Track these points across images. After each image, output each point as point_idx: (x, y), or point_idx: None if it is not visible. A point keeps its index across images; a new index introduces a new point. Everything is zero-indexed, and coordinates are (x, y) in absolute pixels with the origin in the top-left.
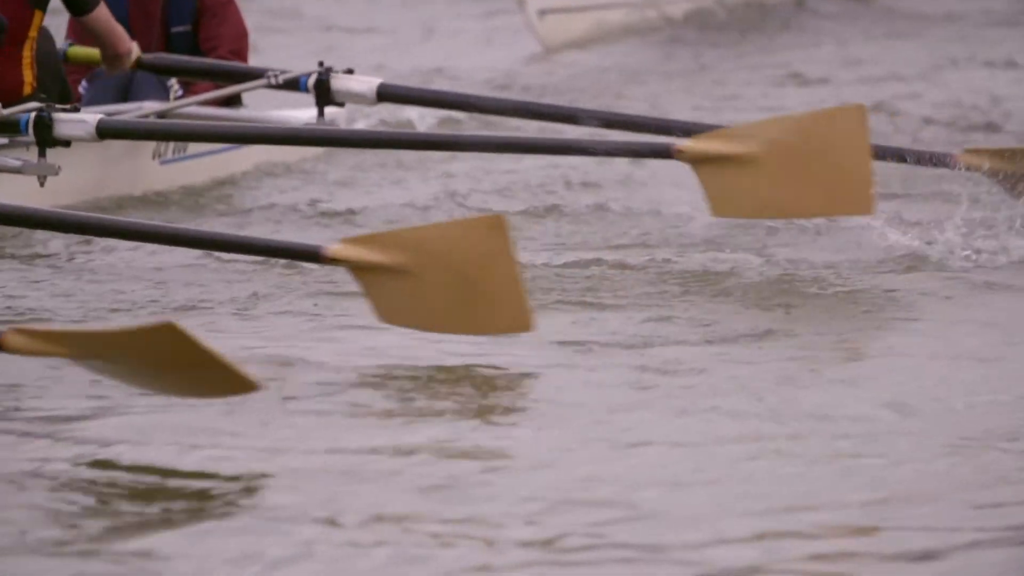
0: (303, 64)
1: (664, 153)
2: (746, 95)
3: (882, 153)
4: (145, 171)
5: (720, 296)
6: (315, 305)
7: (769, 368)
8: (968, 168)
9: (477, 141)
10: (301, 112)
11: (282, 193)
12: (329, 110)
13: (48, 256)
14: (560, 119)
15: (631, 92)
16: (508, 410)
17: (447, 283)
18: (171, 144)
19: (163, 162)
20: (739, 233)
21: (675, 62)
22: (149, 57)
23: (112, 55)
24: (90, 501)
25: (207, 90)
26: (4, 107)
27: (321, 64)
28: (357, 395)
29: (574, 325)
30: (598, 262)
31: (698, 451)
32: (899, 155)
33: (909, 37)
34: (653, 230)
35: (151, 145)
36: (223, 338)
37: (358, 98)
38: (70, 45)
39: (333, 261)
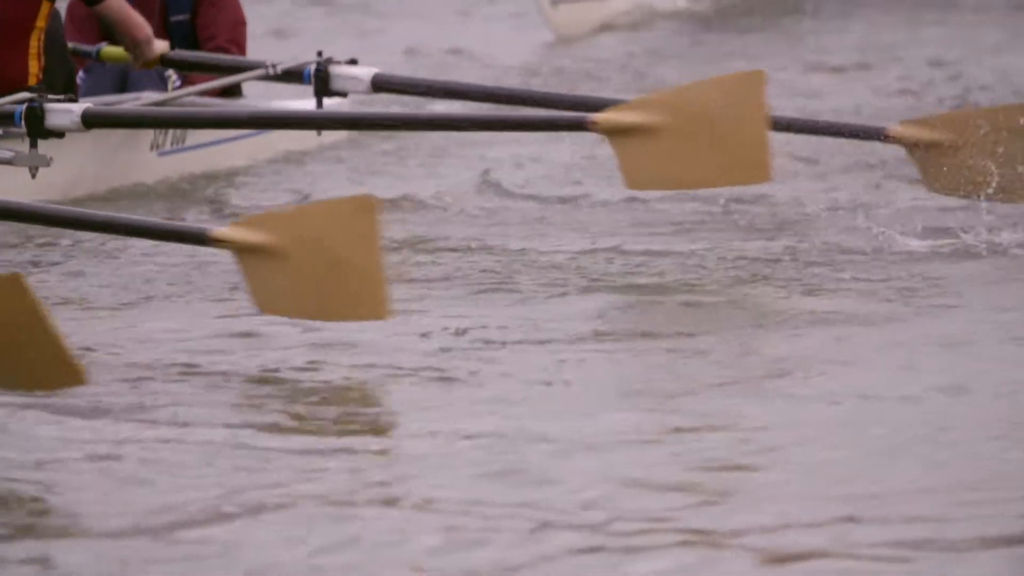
0: (338, 48)
1: (579, 126)
2: (777, 79)
3: (809, 127)
4: (142, 163)
5: (759, 281)
6: None
7: (816, 352)
8: (898, 142)
9: (395, 119)
10: (301, 103)
11: (281, 184)
12: (330, 101)
13: (85, 243)
14: (518, 102)
15: (662, 76)
16: (559, 395)
17: (315, 266)
18: (169, 135)
19: (161, 153)
20: (775, 218)
21: (704, 47)
22: (176, 54)
23: (131, 43)
24: (146, 486)
25: (205, 81)
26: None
27: (320, 54)
28: (412, 379)
29: (618, 311)
30: (640, 247)
31: (750, 435)
32: (827, 129)
33: (941, 24)
34: (691, 216)
35: (148, 137)
36: (266, 324)
37: (355, 89)
38: (105, 45)
39: (219, 243)
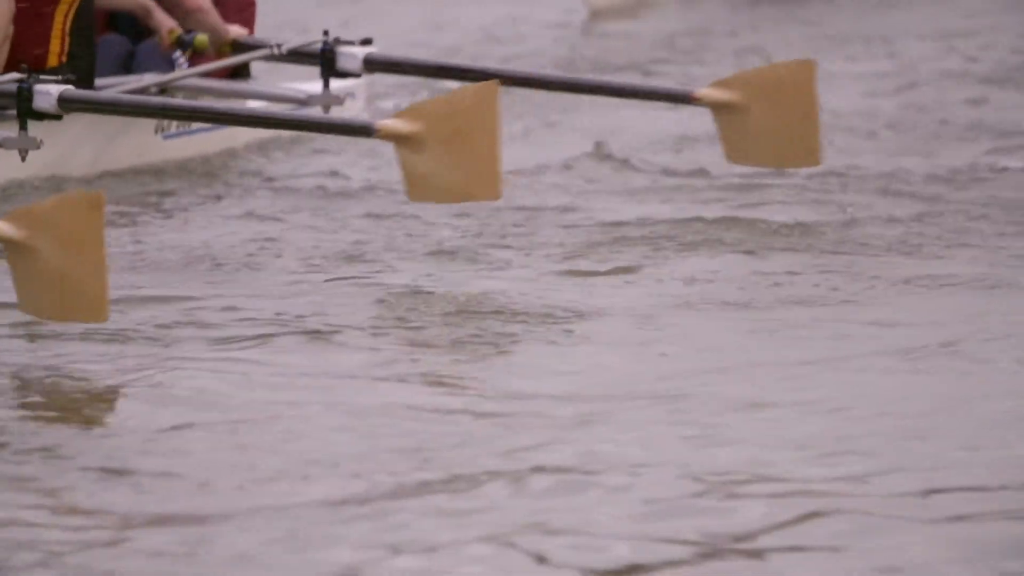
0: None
1: (366, 131)
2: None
3: (610, 89)
4: (147, 145)
5: (867, 247)
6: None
7: (937, 320)
8: (706, 105)
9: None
10: (309, 84)
11: (287, 168)
12: (343, 83)
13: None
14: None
15: (692, 56)
16: (681, 361)
17: (48, 264)
18: None
19: (166, 136)
20: (872, 184)
21: (739, 23)
22: (250, 39)
23: (183, 14)
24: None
25: (211, 62)
26: None
27: (326, 33)
28: (531, 340)
29: (724, 280)
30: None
31: (887, 406)
32: (637, 92)
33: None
34: (793, 184)
35: (152, 119)
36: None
37: (352, 68)
38: (198, 33)
39: None
